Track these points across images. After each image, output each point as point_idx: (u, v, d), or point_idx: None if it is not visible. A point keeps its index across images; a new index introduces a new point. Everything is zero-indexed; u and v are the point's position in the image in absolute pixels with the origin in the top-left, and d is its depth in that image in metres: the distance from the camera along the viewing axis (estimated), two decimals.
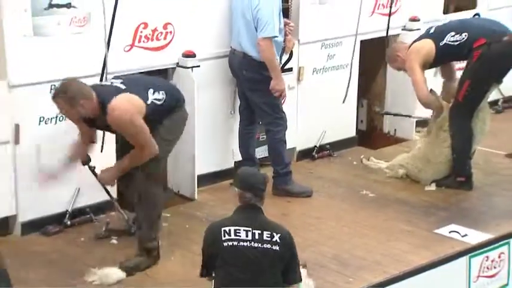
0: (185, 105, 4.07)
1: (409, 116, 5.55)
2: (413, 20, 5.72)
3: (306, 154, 5.47)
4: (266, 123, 4.84)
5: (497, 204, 4.76)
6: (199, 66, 4.69)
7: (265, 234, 3.08)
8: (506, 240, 4.27)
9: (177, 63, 4.70)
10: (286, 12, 5.32)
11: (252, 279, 3.06)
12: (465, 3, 6.45)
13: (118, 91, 3.77)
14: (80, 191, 4.34)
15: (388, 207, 4.71)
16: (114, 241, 4.21)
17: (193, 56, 4.67)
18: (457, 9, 6.48)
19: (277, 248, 3.09)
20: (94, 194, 4.34)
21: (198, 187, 4.81)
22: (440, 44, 4.80)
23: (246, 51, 4.66)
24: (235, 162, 5.11)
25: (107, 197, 4.33)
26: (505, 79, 5.82)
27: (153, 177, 3.87)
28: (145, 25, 4.50)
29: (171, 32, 4.62)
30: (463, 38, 4.76)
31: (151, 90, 3.84)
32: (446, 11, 6.13)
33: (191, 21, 4.70)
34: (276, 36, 4.59)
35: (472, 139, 4.90)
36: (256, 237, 3.07)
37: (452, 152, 4.91)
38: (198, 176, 4.80)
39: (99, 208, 4.45)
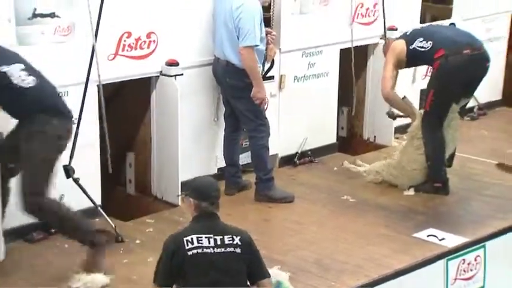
0: (67, 121, 3.64)
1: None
2: (391, 29, 5.75)
3: (288, 160, 5.47)
4: (249, 129, 4.84)
5: (473, 209, 4.79)
6: (182, 74, 4.68)
7: (227, 239, 3.10)
8: (482, 244, 4.29)
9: (161, 71, 4.68)
10: (267, 22, 5.32)
11: (221, 284, 3.06)
12: (441, 13, 6.52)
13: None
14: (63, 197, 4.29)
15: (368, 212, 4.72)
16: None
17: (177, 64, 4.66)
18: (434, 19, 6.54)
19: (239, 250, 3.11)
20: (78, 201, 4.29)
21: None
22: (410, 48, 4.87)
23: (229, 59, 4.66)
24: (218, 168, 5.09)
25: (91, 204, 4.29)
26: (480, 87, 5.92)
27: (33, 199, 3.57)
28: (129, 34, 4.48)
29: (154, 41, 4.60)
30: (428, 47, 4.82)
31: (20, 66, 3.44)
32: (423, 21, 6.19)
33: (174, 30, 4.69)
34: (258, 45, 4.59)
35: (444, 146, 4.92)
36: (218, 242, 3.09)
37: (426, 160, 4.94)
38: (182, 182, 4.77)
39: (83, 214, 4.39)
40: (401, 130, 5.75)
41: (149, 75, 4.70)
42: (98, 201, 4.41)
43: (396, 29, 5.74)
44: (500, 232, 4.42)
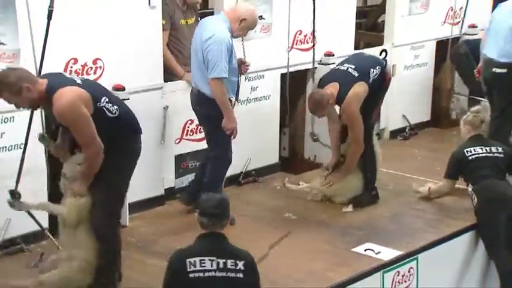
0: (139, 138, 3.75)
1: None
2: (328, 55, 5.84)
3: (233, 180, 5.43)
4: (210, 156, 4.71)
5: (407, 223, 4.85)
6: (128, 99, 4.60)
7: (229, 263, 2.99)
8: (414, 256, 4.36)
9: None
10: None
11: None
12: (373, 40, 6.67)
13: (70, 83, 3.50)
14: (10, 221, 4.13)
15: (309, 228, 4.73)
16: None
17: (123, 89, 4.58)
18: (366, 46, 6.68)
19: (241, 275, 3.01)
20: (25, 224, 4.15)
21: (129, 214, 4.68)
22: (370, 82, 4.92)
23: (199, 88, 4.58)
24: (165, 189, 5.02)
25: (38, 227, 4.15)
26: (411, 109, 6.13)
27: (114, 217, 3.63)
28: (75, 60, 4.39)
29: (101, 67, 4.52)
30: (379, 71, 4.98)
31: (105, 99, 3.56)
32: (357, 47, 6.31)
33: (120, 56, 4.62)
34: (226, 77, 4.47)
35: (376, 156, 5.12)
36: (221, 266, 2.98)
37: (365, 172, 5.03)
38: (129, 204, 4.66)
39: (30, 237, 4.25)
40: None
41: None
42: (45, 225, 4.26)
43: (333, 55, 5.83)
44: (431, 245, 4.51)
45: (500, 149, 4.86)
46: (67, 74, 3.64)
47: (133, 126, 3.74)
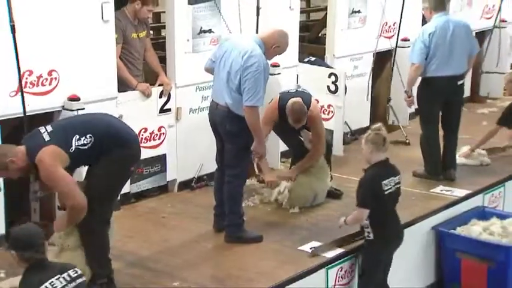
0: (130, 144, 3.74)
1: None
2: (274, 66, 5.90)
3: (186, 185, 5.43)
4: (229, 174, 4.46)
5: None
6: (84, 108, 4.56)
7: (72, 273, 3.12)
8: (355, 253, 4.45)
9: (63, 106, 4.53)
10: (163, 60, 5.32)
11: None
12: (315, 52, 6.79)
13: (42, 144, 3.53)
14: None
15: (258, 229, 4.76)
16: (2, 275, 3.93)
17: (78, 99, 4.53)
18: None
19: (84, 277, 3.19)
20: None
21: None
22: None
23: (229, 105, 4.30)
24: (121, 194, 4.95)
25: None
26: (352, 115, 6.20)
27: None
28: (30, 72, 4.32)
29: (56, 78, 4.46)
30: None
31: (76, 137, 3.58)
32: (301, 59, 6.41)
33: (75, 68, 4.56)
34: (261, 105, 4.29)
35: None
36: (68, 278, 3.09)
37: None
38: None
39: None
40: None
41: (51, 110, 4.54)
42: (2, 231, 4.17)
43: (278, 66, 5.91)
44: None
45: (399, 177, 4.23)
46: (42, 129, 3.60)
47: (116, 138, 3.72)
